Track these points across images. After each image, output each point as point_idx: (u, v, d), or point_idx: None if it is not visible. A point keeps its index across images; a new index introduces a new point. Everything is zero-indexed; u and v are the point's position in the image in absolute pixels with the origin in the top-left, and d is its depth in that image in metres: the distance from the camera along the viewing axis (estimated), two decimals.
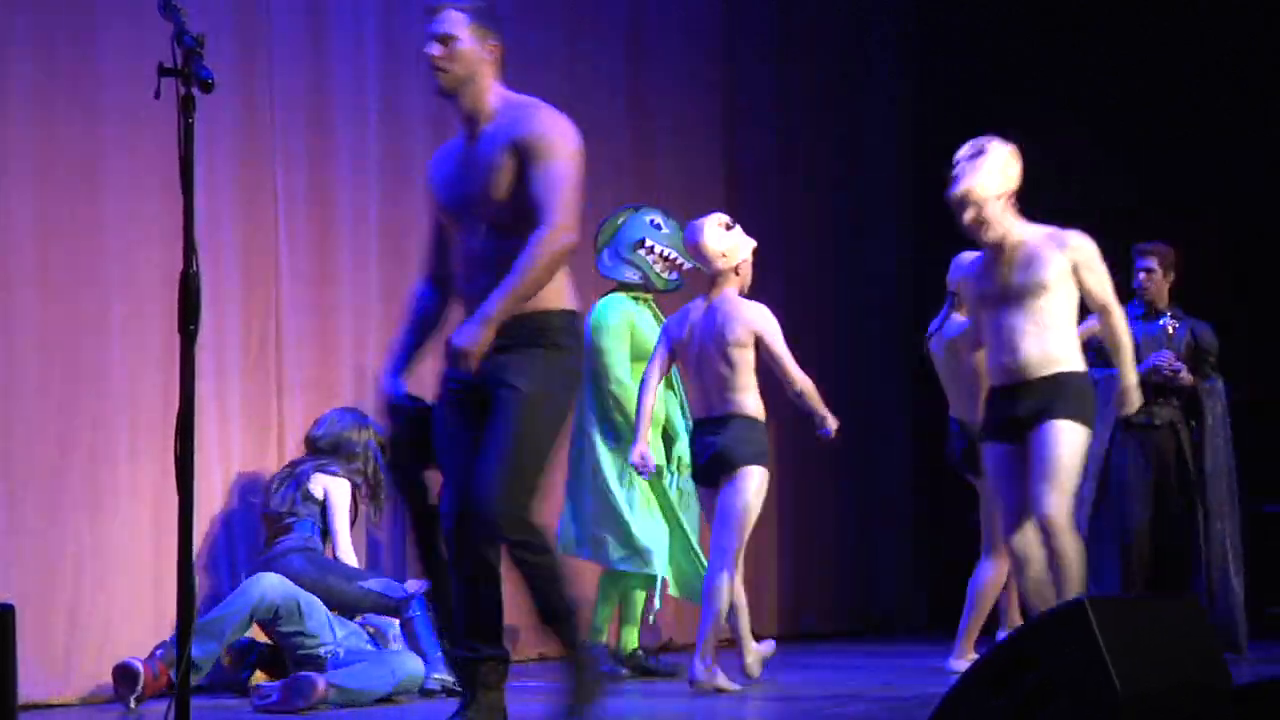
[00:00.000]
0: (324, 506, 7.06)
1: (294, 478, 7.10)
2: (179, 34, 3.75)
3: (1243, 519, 8.31)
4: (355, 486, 7.15)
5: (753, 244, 7.11)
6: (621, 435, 7.47)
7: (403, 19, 8.15)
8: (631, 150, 9.29)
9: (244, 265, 7.33)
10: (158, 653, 6.39)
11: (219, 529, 7.17)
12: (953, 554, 10.97)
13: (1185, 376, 8.09)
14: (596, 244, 7.64)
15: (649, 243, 7.62)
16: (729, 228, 7.02)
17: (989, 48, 10.88)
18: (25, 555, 6.42)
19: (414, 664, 6.66)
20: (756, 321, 6.93)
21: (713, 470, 6.90)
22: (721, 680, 6.90)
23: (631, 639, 7.70)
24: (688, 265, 7.60)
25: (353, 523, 7.17)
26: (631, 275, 7.62)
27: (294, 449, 7.48)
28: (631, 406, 7.34)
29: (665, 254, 7.62)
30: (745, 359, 6.93)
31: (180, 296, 3.78)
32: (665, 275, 7.66)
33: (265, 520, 7.14)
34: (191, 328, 3.78)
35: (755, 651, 7.15)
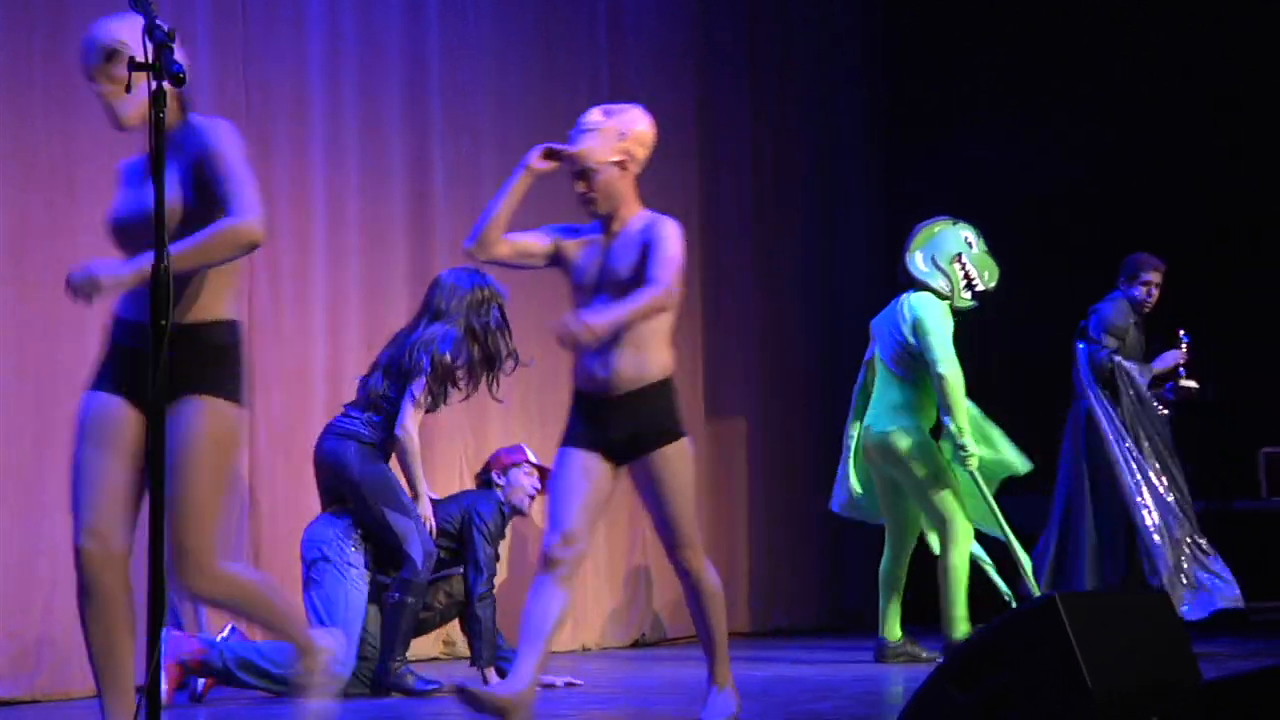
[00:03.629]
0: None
1: (398, 348, 6.69)
2: (150, 28, 3.73)
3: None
4: (472, 339, 6.70)
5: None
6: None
7: (380, 12, 8.14)
8: None
9: None
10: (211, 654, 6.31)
11: None
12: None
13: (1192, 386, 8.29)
14: (910, 246, 8.00)
15: (964, 259, 8.01)
16: None
17: (955, 48, 10.89)
18: (0, 553, 6.40)
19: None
20: None
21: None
22: None
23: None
24: (982, 288, 8.02)
25: (438, 402, 6.74)
26: (943, 285, 8.00)
27: (268, 442, 7.45)
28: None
29: (970, 273, 8.01)
30: None
31: (151, 291, 3.75)
32: (965, 295, 8.04)
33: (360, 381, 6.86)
34: (163, 323, 3.75)
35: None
